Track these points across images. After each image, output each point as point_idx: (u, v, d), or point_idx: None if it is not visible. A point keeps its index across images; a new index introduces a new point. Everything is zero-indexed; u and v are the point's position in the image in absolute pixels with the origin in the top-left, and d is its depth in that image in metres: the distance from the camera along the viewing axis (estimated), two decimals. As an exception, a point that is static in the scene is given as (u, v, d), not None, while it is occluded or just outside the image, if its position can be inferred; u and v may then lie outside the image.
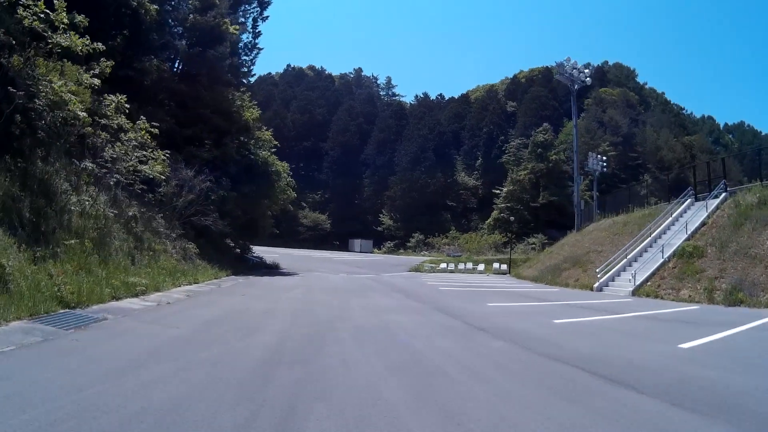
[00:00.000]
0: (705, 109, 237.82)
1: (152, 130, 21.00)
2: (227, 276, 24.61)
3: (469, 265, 54.79)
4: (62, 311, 9.93)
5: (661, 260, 24.98)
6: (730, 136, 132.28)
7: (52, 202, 15.17)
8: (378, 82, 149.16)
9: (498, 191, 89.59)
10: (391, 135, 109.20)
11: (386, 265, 54.58)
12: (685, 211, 29.75)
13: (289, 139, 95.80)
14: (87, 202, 16.61)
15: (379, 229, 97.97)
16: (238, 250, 36.05)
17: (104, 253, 15.40)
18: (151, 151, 21.85)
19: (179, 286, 17.34)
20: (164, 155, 22.57)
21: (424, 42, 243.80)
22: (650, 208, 35.07)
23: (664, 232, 28.65)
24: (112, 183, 19.12)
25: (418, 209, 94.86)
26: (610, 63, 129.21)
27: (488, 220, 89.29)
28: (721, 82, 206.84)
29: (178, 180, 25.06)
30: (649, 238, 28.57)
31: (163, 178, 22.19)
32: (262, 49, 44.37)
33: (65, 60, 17.01)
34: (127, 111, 19.89)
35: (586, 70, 50.52)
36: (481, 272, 51.41)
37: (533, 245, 68.13)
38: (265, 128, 39.00)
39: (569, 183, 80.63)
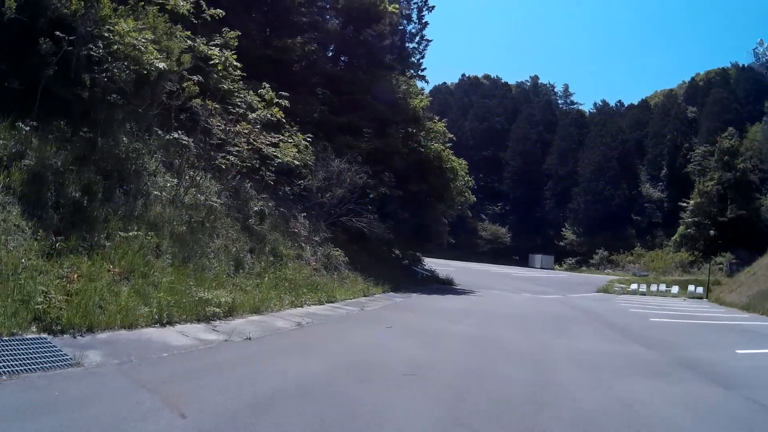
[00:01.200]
0: None
1: (282, 102, 15.98)
2: (382, 293, 18.88)
3: (662, 287, 46.79)
4: (31, 336, 6.12)
5: None
6: None
7: (125, 182, 10.65)
8: (555, 90, 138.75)
9: (684, 204, 77.87)
10: (573, 144, 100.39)
11: (571, 284, 47.32)
12: None
13: (468, 148, 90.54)
14: (172, 185, 11.85)
15: (561, 244, 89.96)
16: (406, 261, 30.59)
17: (187, 254, 10.45)
18: (289, 135, 17.05)
19: (299, 307, 11.89)
20: (306, 139, 17.61)
21: (599, 48, 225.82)
22: None
23: None
24: (224, 166, 14.24)
25: (601, 223, 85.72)
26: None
27: (674, 237, 78.73)
28: None
29: (326, 172, 20.06)
30: None
31: (297, 163, 17.03)
32: (430, 40, 39.20)
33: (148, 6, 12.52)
34: (236, 66, 14.93)
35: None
36: (674, 295, 43.71)
37: (720, 265, 57.03)
38: (437, 118, 33.19)
39: (757, 195, 73.56)
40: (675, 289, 45.66)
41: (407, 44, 36.09)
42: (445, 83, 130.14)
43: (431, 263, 35.33)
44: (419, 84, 34.15)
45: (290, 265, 14.51)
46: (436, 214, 30.85)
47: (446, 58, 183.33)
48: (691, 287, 45.33)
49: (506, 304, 21.87)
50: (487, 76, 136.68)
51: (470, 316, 15.92)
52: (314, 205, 19.65)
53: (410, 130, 27.93)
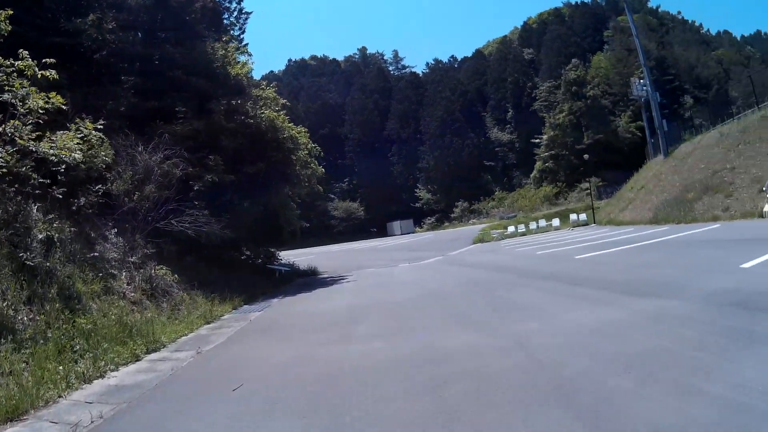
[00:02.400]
0: (719, 24, 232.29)
1: (48, 74, 11.39)
2: (233, 310, 14.92)
3: (542, 223, 47.93)
4: None
5: None
6: (749, 47, 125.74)
7: None
8: (385, 57, 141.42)
9: (537, 140, 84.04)
10: (412, 105, 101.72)
11: (442, 242, 44.90)
12: None
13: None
14: None
15: (417, 205, 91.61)
16: (259, 261, 26.40)
17: None
18: (76, 128, 12.57)
19: (98, 378, 7.60)
20: (97, 128, 13.16)
21: (424, 8, 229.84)
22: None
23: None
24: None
25: (455, 176, 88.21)
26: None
27: (533, 174, 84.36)
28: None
29: (134, 169, 15.60)
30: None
31: (78, 156, 12.23)
32: (250, 13, 35.05)
33: None
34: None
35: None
36: (557, 228, 44.81)
37: (587, 191, 59.20)
38: (264, 83, 28.61)
39: (611, 117, 79.01)
40: (556, 221, 47.14)
41: (224, 18, 31.74)
42: (272, 71, 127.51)
43: (288, 256, 31.57)
44: (242, 58, 29.66)
45: (93, 306, 10.18)
46: (283, 198, 26.97)
47: (269, 47, 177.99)
48: (573, 216, 46.64)
49: (398, 284, 18.14)
50: (314, 57, 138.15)
51: (364, 316, 11.34)
52: (125, 216, 15.06)
53: (234, 102, 23.58)
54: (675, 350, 5.80)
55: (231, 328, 12.13)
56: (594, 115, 78.07)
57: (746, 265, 10.38)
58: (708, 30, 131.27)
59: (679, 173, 33.05)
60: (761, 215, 19.82)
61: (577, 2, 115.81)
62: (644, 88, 48.48)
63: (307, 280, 24.99)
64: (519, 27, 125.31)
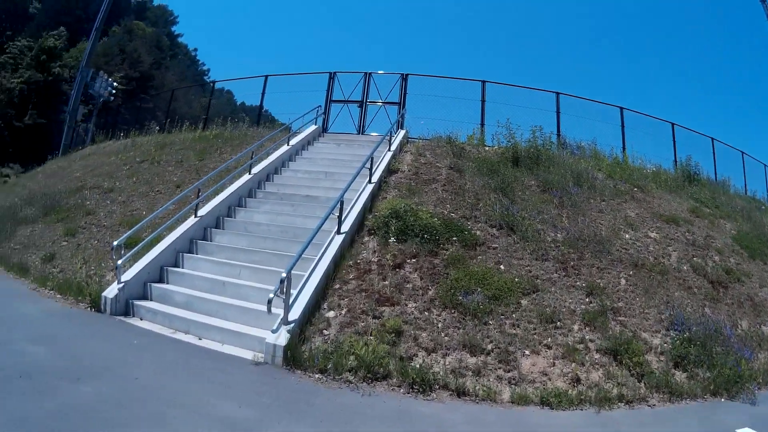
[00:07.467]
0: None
1: None
2: None
3: None
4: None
5: (338, 238, 9.75)
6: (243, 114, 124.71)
7: None
8: None
9: None
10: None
11: None
12: (310, 143, 17.56)
13: None
14: None
15: None
16: None
17: None
18: None
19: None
20: None
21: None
22: (217, 131, 20.70)
23: (276, 171, 14.99)
24: None
25: None
26: (155, 3, 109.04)
27: None
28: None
29: None
30: (241, 181, 13.54)
31: None
32: None
33: None
34: None
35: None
36: None
37: (6, 177, 44.23)
38: None
39: (65, 108, 57.40)
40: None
41: None
42: None
43: None
44: None
45: None
46: None
47: None
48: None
49: None
50: None
51: None
52: None
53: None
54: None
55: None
56: (49, 96, 62.30)
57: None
58: (213, 80, 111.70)
59: (55, 177, 21.40)
60: (95, 303, 9.17)
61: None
62: (108, 88, 40.98)
63: None
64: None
